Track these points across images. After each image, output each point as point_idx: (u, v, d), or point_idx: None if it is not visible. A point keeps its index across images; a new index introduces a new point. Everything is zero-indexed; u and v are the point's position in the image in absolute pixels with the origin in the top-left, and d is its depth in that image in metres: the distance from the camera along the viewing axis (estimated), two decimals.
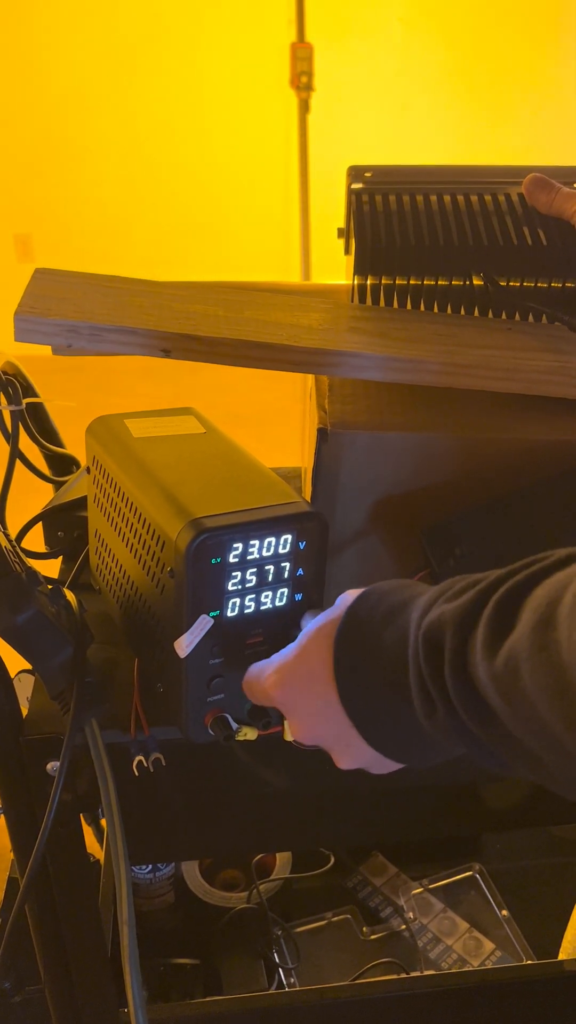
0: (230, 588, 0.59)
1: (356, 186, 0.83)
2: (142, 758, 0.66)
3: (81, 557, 0.84)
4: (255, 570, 0.59)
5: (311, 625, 0.54)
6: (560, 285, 0.80)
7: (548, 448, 0.72)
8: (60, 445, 1.06)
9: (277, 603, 0.61)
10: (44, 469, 1.02)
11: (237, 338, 0.68)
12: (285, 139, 3.63)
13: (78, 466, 1.04)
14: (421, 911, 1.15)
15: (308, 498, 0.74)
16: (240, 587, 0.59)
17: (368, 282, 0.80)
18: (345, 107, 3.72)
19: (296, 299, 0.81)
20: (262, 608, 0.61)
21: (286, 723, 0.61)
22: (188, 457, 0.67)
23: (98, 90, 3.67)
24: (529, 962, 1.10)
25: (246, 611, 0.60)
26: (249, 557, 0.58)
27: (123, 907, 0.66)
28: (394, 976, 1.07)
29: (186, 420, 0.73)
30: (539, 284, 0.79)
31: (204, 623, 0.58)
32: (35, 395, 0.90)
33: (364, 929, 1.14)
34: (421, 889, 1.18)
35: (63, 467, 1.04)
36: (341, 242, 0.86)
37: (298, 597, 0.62)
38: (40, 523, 0.91)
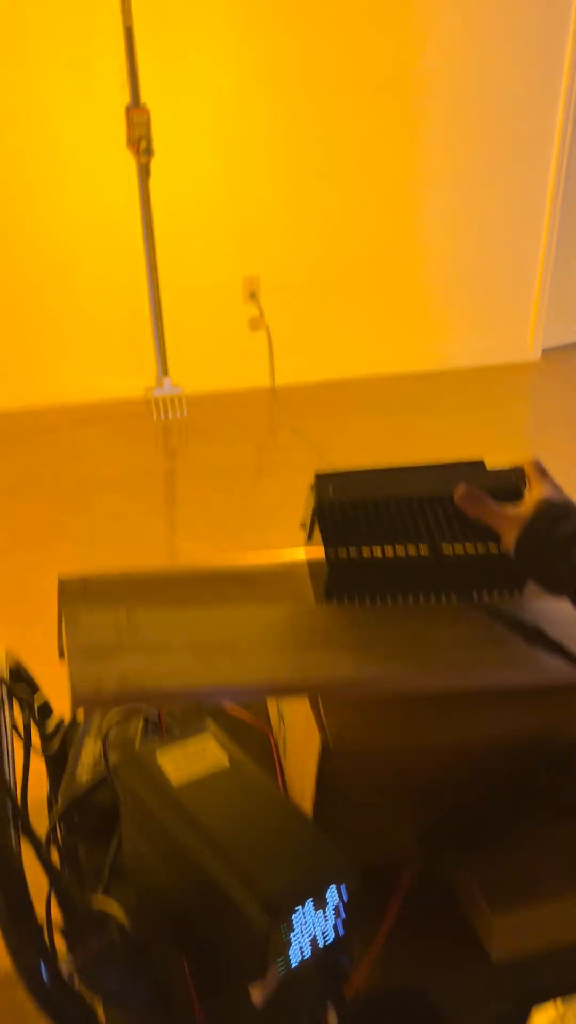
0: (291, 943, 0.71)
1: (322, 496, 0.95)
2: None
3: (112, 850, 0.92)
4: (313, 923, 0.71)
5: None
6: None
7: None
8: (35, 687, 1.13)
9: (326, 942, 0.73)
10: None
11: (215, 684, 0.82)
12: (129, 204, 3.65)
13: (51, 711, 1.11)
14: None
15: (311, 809, 0.86)
16: (300, 942, 0.71)
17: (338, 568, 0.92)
18: (186, 169, 3.78)
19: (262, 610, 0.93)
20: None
21: None
22: (225, 801, 0.78)
23: None
24: None
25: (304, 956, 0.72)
26: (308, 918, 0.71)
27: None
28: None
29: (206, 743, 0.84)
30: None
31: (274, 974, 0.71)
32: (35, 687, 0.98)
33: None
34: None
35: (42, 714, 1.12)
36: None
37: (341, 932, 0.75)
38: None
